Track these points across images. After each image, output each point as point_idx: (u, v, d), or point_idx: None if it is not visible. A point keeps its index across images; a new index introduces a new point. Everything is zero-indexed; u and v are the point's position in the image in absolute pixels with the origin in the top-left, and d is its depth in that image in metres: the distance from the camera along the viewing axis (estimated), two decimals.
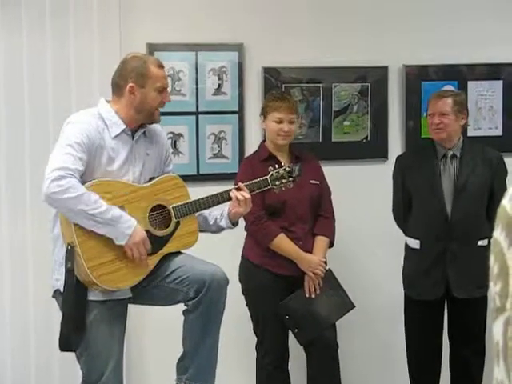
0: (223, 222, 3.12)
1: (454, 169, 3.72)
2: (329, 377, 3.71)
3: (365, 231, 4.29)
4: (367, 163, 4.33)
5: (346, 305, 3.73)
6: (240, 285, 3.69)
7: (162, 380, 3.67)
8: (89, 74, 3.81)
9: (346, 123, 4.29)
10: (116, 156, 2.89)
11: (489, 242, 3.62)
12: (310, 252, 3.64)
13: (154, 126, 3.08)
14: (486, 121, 4.45)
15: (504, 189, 3.60)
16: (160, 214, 2.96)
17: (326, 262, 3.67)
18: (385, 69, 4.30)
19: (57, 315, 2.95)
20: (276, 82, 4.16)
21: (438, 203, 3.68)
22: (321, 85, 4.24)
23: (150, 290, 2.98)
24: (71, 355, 2.98)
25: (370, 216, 4.26)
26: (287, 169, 3.18)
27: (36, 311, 3.82)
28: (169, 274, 2.96)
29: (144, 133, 3.02)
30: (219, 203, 3.06)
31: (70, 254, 2.77)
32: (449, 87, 4.21)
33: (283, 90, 4.12)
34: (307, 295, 3.62)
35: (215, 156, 4.14)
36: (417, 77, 4.34)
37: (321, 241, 3.69)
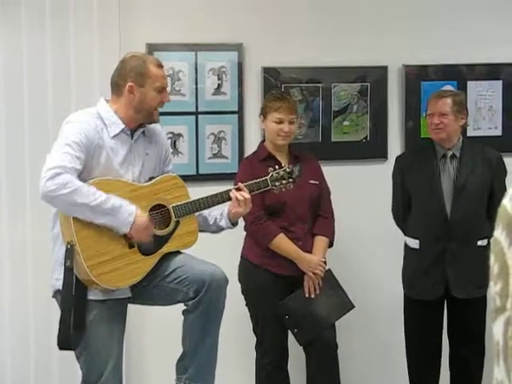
0: (223, 222, 3.12)
1: (453, 169, 3.72)
2: (328, 377, 3.70)
3: (364, 231, 4.29)
4: (367, 163, 4.32)
5: (345, 305, 3.73)
6: (239, 285, 3.69)
7: (162, 380, 3.67)
8: (89, 74, 3.81)
9: (345, 123, 4.29)
10: (115, 156, 2.88)
11: (488, 242, 3.62)
12: (310, 252, 3.63)
13: (154, 125, 3.07)
14: (485, 121, 4.45)
15: (503, 189, 3.60)
16: (160, 214, 2.96)
17: (325, 262, 3.67)
18: (384, 69, 4.30)
19: (56, 315, 2.94)
20: (276, 82, 4.16)
21: (437, 203, 3.68)
22: (320, 85, 4.24)
23: (149, 290, 2.97)
24: (71, 355, 2.98)
25: (369, 216, 4.26)
26: (287, 170, 3.18)
27: (36, 311, 3.82)
28: (168, 273, 2.96)
29: (143, 132, 3.01)
30: (219, 203, 3.05)
31: (70, 253, 2.77)
32: (448, 87, 4.20)
33: (283, 90, 4.12)
34: (307, 295, 3.62)
35: (215, 156, 4.13)
36: (416, 77, 4.34)
37: (320, 241, 3.69)
